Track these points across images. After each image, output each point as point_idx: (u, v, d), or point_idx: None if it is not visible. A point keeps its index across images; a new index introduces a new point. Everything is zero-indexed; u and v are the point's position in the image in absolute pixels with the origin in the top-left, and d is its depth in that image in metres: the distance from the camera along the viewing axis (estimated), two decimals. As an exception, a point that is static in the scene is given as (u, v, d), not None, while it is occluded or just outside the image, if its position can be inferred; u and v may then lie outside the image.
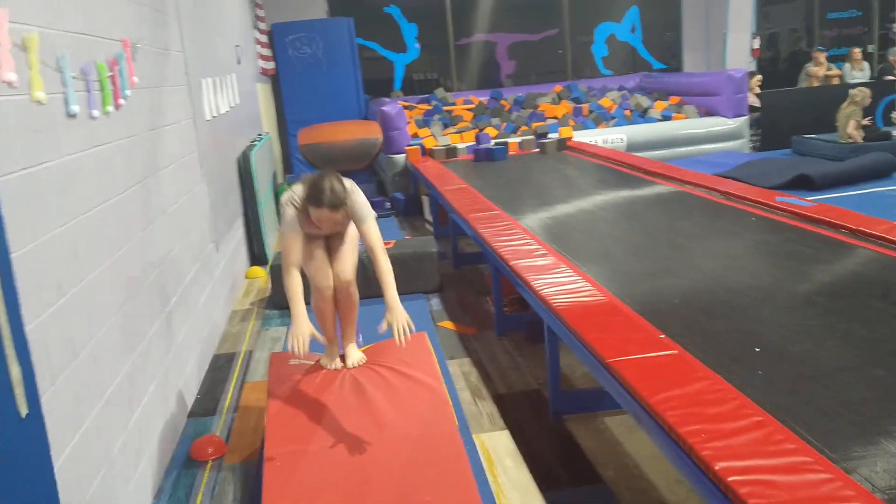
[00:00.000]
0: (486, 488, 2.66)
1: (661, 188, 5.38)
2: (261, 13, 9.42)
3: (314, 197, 2.58)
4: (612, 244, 3.99)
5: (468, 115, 10.04)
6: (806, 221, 3.94)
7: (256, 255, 6.26)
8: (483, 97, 10.82)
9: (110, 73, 2.80)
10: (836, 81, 10.62)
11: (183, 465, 3.06)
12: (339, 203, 2.58)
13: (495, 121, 9.67)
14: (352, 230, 2.88)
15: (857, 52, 10.98)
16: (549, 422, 3.13)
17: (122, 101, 2.93)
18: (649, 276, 3.28)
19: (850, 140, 7.89)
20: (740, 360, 2.33)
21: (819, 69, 10.68)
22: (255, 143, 6.88)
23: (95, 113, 2.62)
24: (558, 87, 10.80)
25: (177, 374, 3.43)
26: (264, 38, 9.46)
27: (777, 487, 1.60)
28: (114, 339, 2.60)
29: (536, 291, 3.08)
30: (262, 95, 8.89)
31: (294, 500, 2.36)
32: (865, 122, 8.10)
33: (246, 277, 5.91)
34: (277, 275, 4.90)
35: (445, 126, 9.68)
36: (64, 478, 1.97)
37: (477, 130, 9.19)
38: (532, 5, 11.83)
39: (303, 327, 2.59)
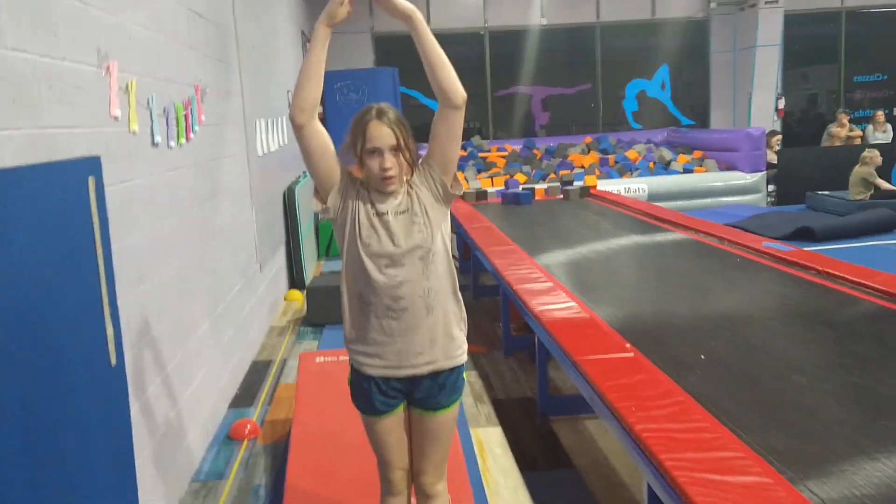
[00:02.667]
0: (475, 469, 3.14)
1: (669, 234, 5.87)
2: (312, 62, 10.21)
3: (359, 117, 2.07)
4: (606, 276, 4.50)
5: (501, 162, 10.66)
6: (783, 263, 4.40)
7: (295, 281, 6.87)
8: (517, 146, 11.45)
9: (185, 112, 3.44)
10: (857, 142, 11.01)
11: (223, 442, 3.61)
12: (391, 115, 2.06)
13: (526, 168, 10.25)
14: (446, 420, 2.18)
15: (880, 114, 11.37)
16: (537, 422, 3.61)
17: (192, 135, 3.57)
18: (632, 302, 3.77)
19: (860, 198, 8.28)
20: (689, 365, 2.81)
21: (841, 130, 11.09)
22: (301, 179, 7.56)
23: (172, 143, 3.25)
24: (588, 139, 11.39)
25: (221, 369, 4.00)
26: (314, 85, 10.21)
27: (679, 441, 2.08)
28: (174, 326, 3.18)
29: (531, 309, 3.59)
30: (309, 137, 9.60)
31: (314, 475, 2.87)
32: (879, 182, 8.48)
33: (285, 300, 6.51)
34: (313, 297, 5.49)
35: (479, 171, 10.30)
36: (136, 421, 2.53)
37: (507, 176, 9.78)
38: (568, 61, 12.50)
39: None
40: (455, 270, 2.15)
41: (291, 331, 5.56)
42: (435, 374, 2.11)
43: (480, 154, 10.97)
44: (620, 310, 3.62)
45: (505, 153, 11.02)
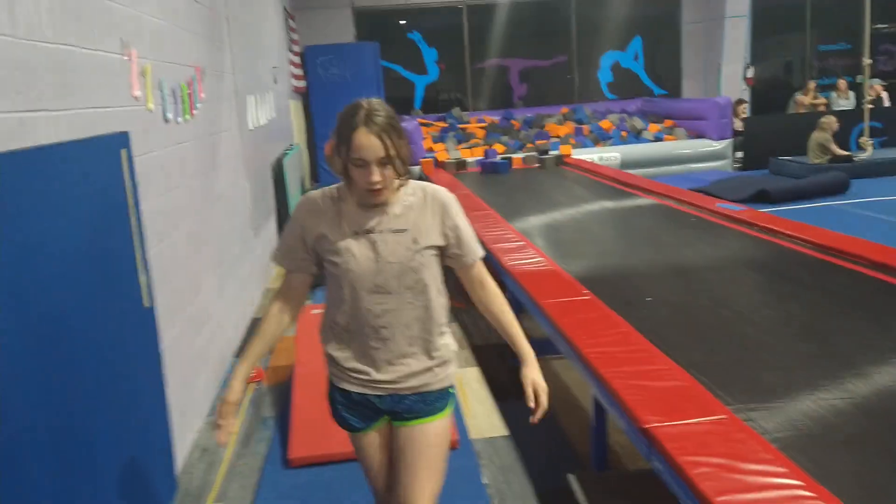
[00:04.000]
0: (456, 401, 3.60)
1: (636, 199, 6.33)
2: (295, 37, 10.53)
3: (345, 119, 1.80)
4: (574, 236, 4.95)
5: (480, 133, 11.04)
6: (732, 221, 4.87)
7: (286, 248, 7.27)
8: (496, 117, 11.84)
9: (189, 91, 3.83)
10: (822, 109, 11.49)
11: (231, 385, 4.05)
12: (380, 120, 1.77)
13: (504, 138, 10.66)
14: (437, 429, 1.97)
15: (842, 82, 11.85)
16: (509, 363, 4.08)
17: (195, 112, 3.96)
18: (594, 256, 4.24)
19: (818, 162, 8.77)
20: (636, 305, 3.27)
21: (806, 97, 11.56)
22: (287, 151, 7.93)
23: (179, 119, 3.64)
24: (565, 109, 11.79)
25: (226, 322, 4.42)
26: (297, 60, 10.55)
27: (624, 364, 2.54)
28: (188, 281, 3.59)
29: (504, 264, 4.04)
30: (294, 111, 9.96)
31: (317, 407, 3.29)
32: (834, 147, 8.97)
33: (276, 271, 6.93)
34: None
35: (459, 142, 10.70)
36: (165, 360, 2.96)
37: (487, 146, 10.18)
38: (543, 32, 12.84)
39: (230, 395, 1.89)
40: (447, 303, 1.99)
41: (285, 293, 5.99)
42: (420, 394, 1.94)
43: (460, 125, 11.35)
44: (583, 263, 4.08)
45: (484, 124, 11.41)
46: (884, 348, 2.64)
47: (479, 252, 1.99)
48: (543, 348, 4.26)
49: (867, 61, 9.06)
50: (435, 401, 1.95)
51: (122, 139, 2.64)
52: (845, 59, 13.19)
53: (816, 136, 8.93)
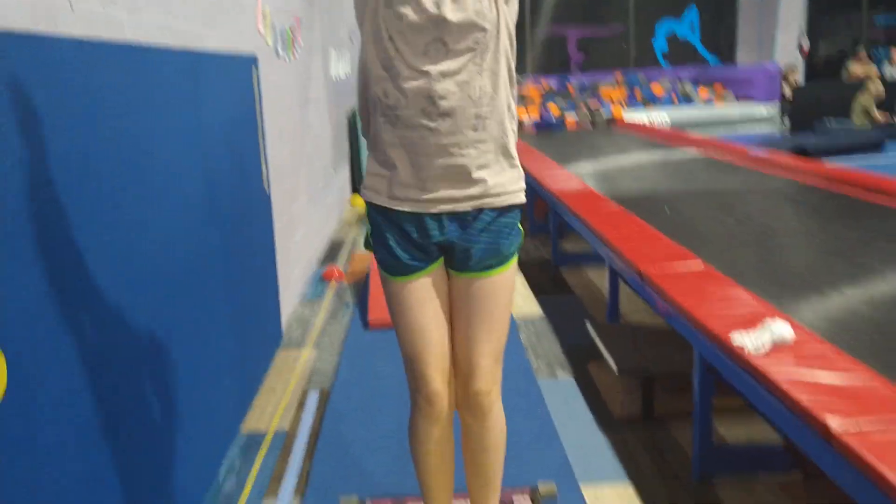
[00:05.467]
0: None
1: (676, 150, 6.95)
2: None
3: None
4: (613, 172, 5.64)
5: (537, 96, 11.69)
6: (755, 163, 5.49)
7: (357, 188, 8.12)
8: (552, 82, 12.44)
9: (292, 37, 4.64)
10: (874, 78, 11.75)
11: (319, 279, 4.90)
12: None
13: (559, 101, 11.29)
14: (504, 281, 1.64)
15: (895, 51, 12.06)
16: (551, 273, 4.82)
17: (296, 55, 4.77)
18: (629, 184, 4.93)
19: (860, 125, 9.18)
20: (658, 214, 3.96)
21: (858, 66, 11.84)
22: (360, 105, 8.75)
23: (287, 58, 4.45)
24: (619, 75, 12.32)
25: (313, 234, 5.27)
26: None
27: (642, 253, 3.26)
28: (289, 189, 4.42)
29: (548, 187, 4.76)
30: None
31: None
32: (874, 111, 9.35)
33: (350, 204, 7.78)
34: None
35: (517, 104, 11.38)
36: (277, 238, 3.80)
37: (542, 108, 10.84)
38: (602, 1, 13.35)
39: None
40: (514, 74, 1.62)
41: (357, 222, 6.82)
42: (480, 212, 1.57)
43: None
44: (619, 189, 4.77)
45: (540, 88, 12.03)
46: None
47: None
48: (578, 259, 5.00)
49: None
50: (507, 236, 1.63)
51: (253, 60, 3.45)
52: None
53: (860, 99, 9.32)
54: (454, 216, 1.57)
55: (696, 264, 2.79)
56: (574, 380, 3.20)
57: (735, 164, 5.59)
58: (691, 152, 6.54)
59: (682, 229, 3.57)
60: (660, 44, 13.34)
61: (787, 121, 10.82)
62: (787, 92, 10.96)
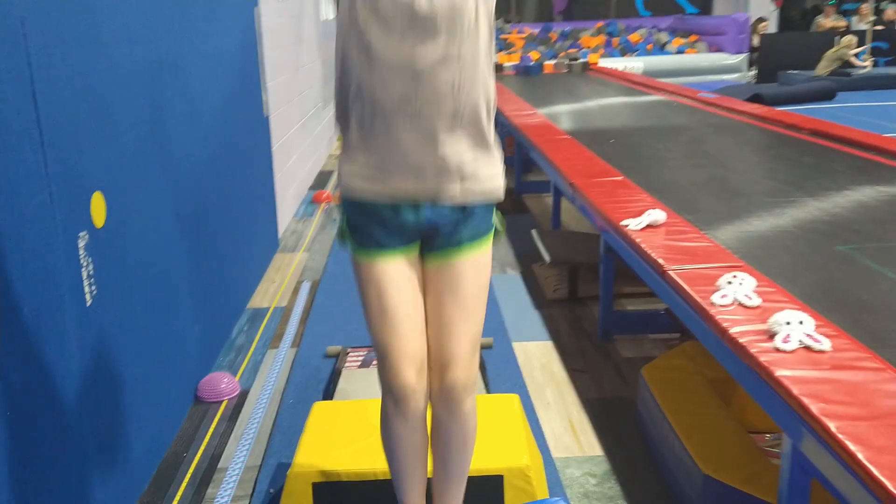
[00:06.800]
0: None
1: (640, 94, 7.55)
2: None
3: None
4: (575, 111, 6.26)
5: (520, 43, 12.18)
6: (702, 104, 6.12)
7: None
8: (535, 29, 12.92)
9: (286, -21, 5.18)
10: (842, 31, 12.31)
11: (309, 201, 5.54)
12: None
13: (541, 48, 11.79)
14: (479, 264, 1.59)
15: (864, 6, 12.58)
16: (514, 198, 5.47)
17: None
18: (588, 122, 5.55)
19: (821, 73, 9.81)
20: (601, 143, 4.60)
21: (827, 20, 12.37)
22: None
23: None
24: (599, 24, 12.81)
25: (305, 160, 5.88)
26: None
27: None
28: (283, 117, 5.01)
29: (512, 121, 5.38)
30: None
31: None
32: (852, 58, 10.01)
33: (337, 140, 8.38)
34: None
35: (499, 50, 11.87)
36: (274, 159, 4.42)
37: (523, 54, 11.35)
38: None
39: None
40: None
41: (345, 156, 7.45)
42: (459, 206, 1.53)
43: (502, 36, 12.47)
44: (578, 125, 5.40)
45: (524, 35, 12.52)
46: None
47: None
48: (533, 187, 5.65)
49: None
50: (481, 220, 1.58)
51: (255, 1, 4.03)
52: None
53: (833, 52, 9.95)
54: (431, 202, 1.50)
55: (618, 179, 3.44)
56: (521, 276, 3.88)
57: (690, 106, 6.21)
58: (652, 96, 7.15)
59: (619, 155, 4.20)
60: (640, -7, 13.78)
61: (753, 70, 11.39)
62: (756, 42, 11.51)
